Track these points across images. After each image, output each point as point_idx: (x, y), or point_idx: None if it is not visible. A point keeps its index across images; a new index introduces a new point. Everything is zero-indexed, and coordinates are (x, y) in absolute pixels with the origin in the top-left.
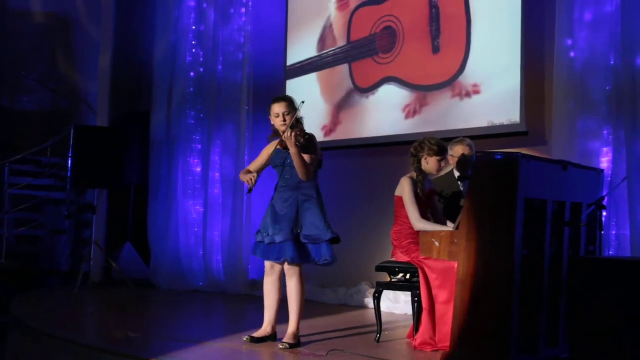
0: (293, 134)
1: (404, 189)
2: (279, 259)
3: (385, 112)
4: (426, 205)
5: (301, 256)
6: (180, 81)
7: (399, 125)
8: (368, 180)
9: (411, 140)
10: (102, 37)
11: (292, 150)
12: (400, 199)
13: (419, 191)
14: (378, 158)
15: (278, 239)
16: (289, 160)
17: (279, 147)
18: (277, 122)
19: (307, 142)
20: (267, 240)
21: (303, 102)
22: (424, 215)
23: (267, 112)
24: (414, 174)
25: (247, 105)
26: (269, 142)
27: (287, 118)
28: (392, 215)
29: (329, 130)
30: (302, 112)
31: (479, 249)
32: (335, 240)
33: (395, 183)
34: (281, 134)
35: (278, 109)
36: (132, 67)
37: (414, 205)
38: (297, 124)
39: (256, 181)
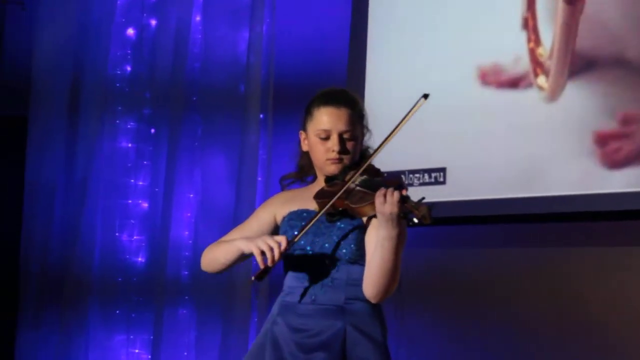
0: (399, 194)
1: None
2: None
3: (567, 135)
4: None
5: None
6: (101, 51)
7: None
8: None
9: None
10: None
11: (389, 233)
12: None
13: None
14: (559, 249)
15: None
16: (340, 248)
17: (317, 209)
18: (322, 150)
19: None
20: None
21: (426, 97)
22: None
23: (297, 121)
24: None
25: (263, 111)
26: (282, 188)
27: (350, 145)
28: None
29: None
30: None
31: None
32: None
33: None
34: (323, 178)
35: (331, 120)
36: None
37: None
38: (367, 168)
39: (281, 257)
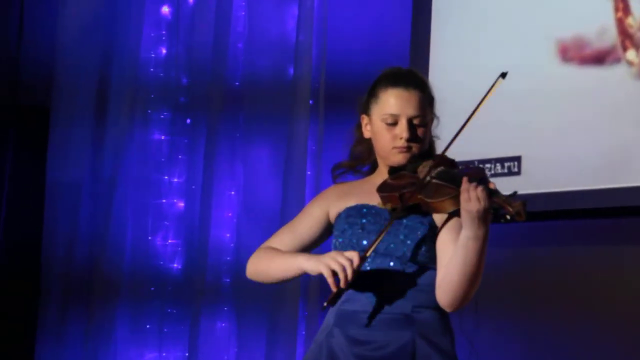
0: (486, 187)
1: None
2: None
3: None
4: None
5: None
6: (133, 31)
7: None
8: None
9: None
10: None
11: (474, 232)
12: None
13: None
14: None
15: None
16: (408, 248)
17: (382, 204)
18: (388, 137)
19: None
20: None
21: (504, 76)
22: None
23: (351, 108)
24: None
25: (313, 97)
26: (333, 178)
27: (420, 132)
28: None
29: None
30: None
31: None
32: None
33: None
34: (390, 169)
35: (400, 103)
36: None
37: None
38: (441, 158)
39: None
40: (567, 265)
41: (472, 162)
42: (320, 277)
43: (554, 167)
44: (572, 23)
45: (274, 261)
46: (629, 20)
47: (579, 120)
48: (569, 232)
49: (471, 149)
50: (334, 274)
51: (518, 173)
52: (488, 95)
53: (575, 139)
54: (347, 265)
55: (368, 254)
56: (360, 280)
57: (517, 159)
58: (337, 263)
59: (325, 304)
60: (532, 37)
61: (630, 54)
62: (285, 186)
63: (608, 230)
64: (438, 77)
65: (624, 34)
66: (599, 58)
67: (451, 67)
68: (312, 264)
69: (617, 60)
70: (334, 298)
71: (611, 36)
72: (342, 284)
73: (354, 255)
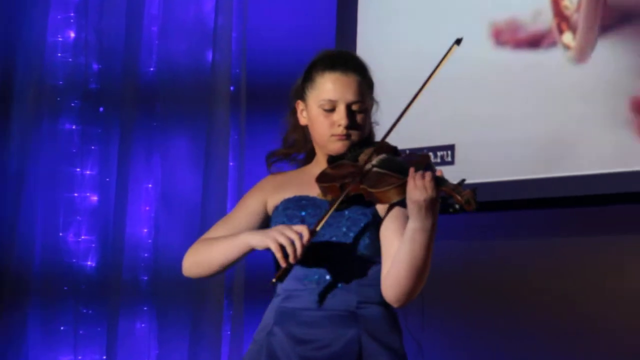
0: (432, 175)
1: None
2: None
3: (599, 102)
4: None
5: None
6: (38, 14)
7: None
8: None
9: None
10: None
11: (422, 224)
12: None
13: None
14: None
15: None
16: (351, 242)
17: (322, 195)
18: (325, 124)
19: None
20: None
21: (459, 42)
22: None
23: (275, 94)
24: None
25: (234, 83)
26: (267, 166)
27: (359, 118)
28: None
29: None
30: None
31: None
32: None
33: None
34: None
35: (337, 88)
36: None
37: None
38: (383, 145)
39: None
40: (503, 259)
41: (402, 151)
42: (251, 269)
43: (489, 156)
44: (506, 5)
45: (215, 246)
46: (565, 2)
47: (514, 106)
48: (506, 224)
49: (402, 138)
50: (283, 248)
51: (452, 162)
52: (441, 65)
53: (510, 126)
54: (296, 239)
55: (318, 228)
56: (302, 275)
57: (451, 147)
58: (285, 237)
59: (273, 279)
60: (464, 19)
61: (567, 37)
62: (206, 178)
63: (547, 221)
64: (365, 59)
65: (560, 16)
66: (534, 41)
67: (379, 51)
68: (259, 239)
69: (553, 43)
70: (283, 274)
71: (547, 19)
72: (291, 259)
73: (303, 229)
